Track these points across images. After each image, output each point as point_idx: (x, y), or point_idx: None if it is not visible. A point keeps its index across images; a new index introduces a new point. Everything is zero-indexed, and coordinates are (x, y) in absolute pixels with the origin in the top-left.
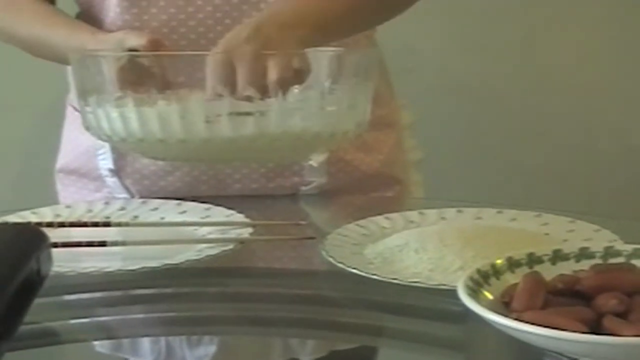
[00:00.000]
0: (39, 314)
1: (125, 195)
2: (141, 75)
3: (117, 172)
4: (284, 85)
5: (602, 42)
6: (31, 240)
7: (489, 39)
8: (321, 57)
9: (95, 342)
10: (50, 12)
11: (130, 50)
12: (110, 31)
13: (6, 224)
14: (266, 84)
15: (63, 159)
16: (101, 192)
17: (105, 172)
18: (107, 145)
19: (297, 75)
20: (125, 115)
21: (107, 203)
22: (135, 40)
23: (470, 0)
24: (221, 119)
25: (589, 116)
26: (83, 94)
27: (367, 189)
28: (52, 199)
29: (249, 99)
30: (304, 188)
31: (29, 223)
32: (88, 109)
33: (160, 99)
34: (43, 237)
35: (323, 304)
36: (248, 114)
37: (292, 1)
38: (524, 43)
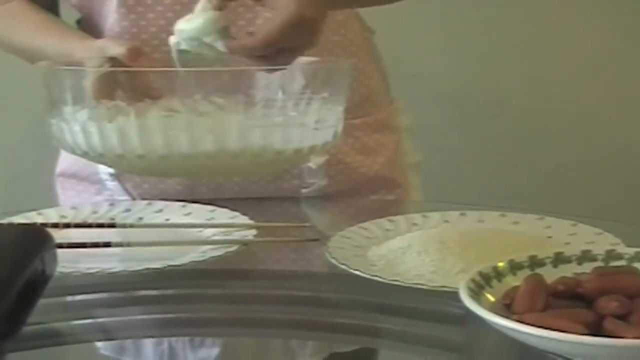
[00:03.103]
0: (42, 314)
1: (126, 198)
2: (115, 86)
3: (117, 175)
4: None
5: (602, 48)
6: (36, 240)
7: (490, 46)
8: (291, 68)
9: (99, 345)
10: (47, 21)
11: (112, 58)
12: (109, 37)
13: (12, 224)
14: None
15: (63, 162)
16: (102, 195)
17: (105, 176)
18: None
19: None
20: (86, 130)
21: (112, 204)
22: (116, 49)
23: (472, 9)
24: (179, 135)
25: (590, 120)
26: (49, 106)
27: (367, 192)
28: (51, 204)
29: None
30: (304, 190)
31: (34, 224)
32: (53, 121)
33: (128, 110)
34: (48, 238)
35: (324, 305)
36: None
37: None
38: (523, 49)
